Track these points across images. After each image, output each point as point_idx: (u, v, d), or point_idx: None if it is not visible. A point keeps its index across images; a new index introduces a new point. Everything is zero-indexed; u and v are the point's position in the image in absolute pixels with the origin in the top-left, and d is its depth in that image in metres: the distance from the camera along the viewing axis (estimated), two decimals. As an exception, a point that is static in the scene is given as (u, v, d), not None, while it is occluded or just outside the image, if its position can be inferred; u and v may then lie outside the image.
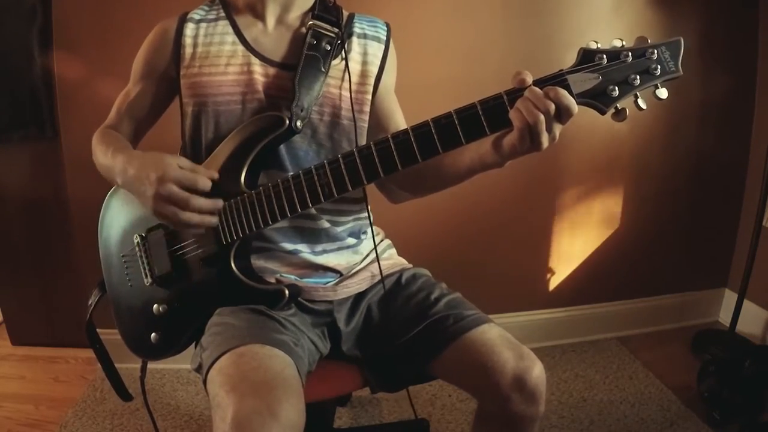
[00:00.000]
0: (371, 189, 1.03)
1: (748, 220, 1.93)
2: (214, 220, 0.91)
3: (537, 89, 0.74)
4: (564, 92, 0.74)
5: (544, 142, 0.76)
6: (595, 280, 2.01)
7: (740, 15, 1.87)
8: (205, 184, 0.89)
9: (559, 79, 0.76)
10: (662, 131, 1.90)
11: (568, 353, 1.97)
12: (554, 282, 2.01)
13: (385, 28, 1.07)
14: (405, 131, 0.81)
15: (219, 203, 0.91)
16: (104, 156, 0.99)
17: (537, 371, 0.88)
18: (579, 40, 1.75)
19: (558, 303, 2.02)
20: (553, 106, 0.73)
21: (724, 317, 2.08)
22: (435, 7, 1.70)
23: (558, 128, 0.76)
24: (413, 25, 1.67)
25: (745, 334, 1.92)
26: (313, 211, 0.99)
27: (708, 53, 1.85)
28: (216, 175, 0.92)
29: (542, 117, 0.74)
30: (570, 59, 0.77)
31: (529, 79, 0.76)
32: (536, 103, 0.74)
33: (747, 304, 1.89)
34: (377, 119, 1.07)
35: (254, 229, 0.92)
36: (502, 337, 0.92)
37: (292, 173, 0.90)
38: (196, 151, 1.02)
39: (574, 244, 1.98)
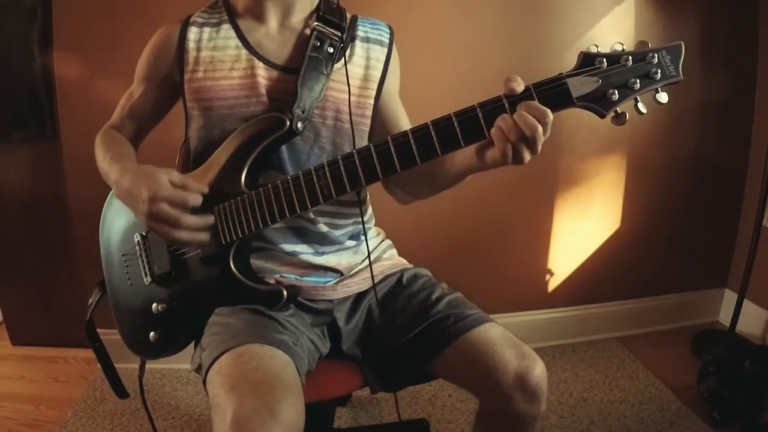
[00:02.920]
0: (373, 190, 1.02)
1: (748, 220, 1.92)
2: (205, 237, 0.92)
3: (508, 118, 0.75)
4: (536, 114, 0.74)
5: (526, 158, 0.77)
6: (595, 280, 2.01)
7: (740, 15, 1.86)
8: (196, 200, 0.90)
9: (558, 83, 0.75)
10: (662, 131, 1.90)
11: (568, 353, 1.97)
12: (554, 282, 2.01)
13: (388, 32, 1.07)
14: (404, 133, 0.81)
15: (210, 219, 0.93)
16: (103, 160, 1.00)
17: (538, 370, 0.89)
18: (580, 40, 1.77)
19: (558, 303, 2.02)
20: (529, 131, 0.74)
21: (724, 317, 2.08)
22: (435, 7, 1.70)
23: (540, 141, 0.76)
24: (413, 25, 1.67)
25: (745, 334, 1.93)
26: (311, 214, 1.00)
27: (708, 53, 1.85)
28: (206, 189, 0.93)
29: (521, 141, 0.75)
30: (570, 59, 0.77)
31: (519, 88, 0.76)
32: (508, 133, 0.75)
33: (747, 304, 1.88)
34: (382, 124, 1.07)
35: (253, 229, 0.92)
36: (503, 336, 0.93)
37: (291, 174, 0.90)
38: (199, 153, 1.02)
39: (574, 244, 1.98)
